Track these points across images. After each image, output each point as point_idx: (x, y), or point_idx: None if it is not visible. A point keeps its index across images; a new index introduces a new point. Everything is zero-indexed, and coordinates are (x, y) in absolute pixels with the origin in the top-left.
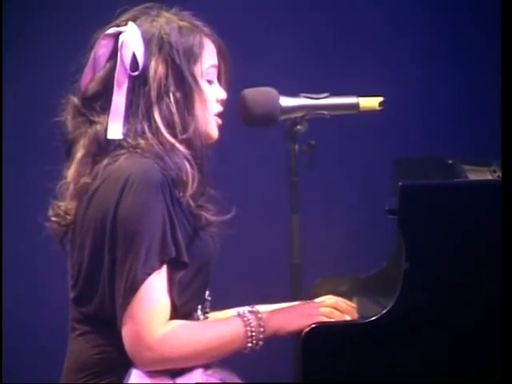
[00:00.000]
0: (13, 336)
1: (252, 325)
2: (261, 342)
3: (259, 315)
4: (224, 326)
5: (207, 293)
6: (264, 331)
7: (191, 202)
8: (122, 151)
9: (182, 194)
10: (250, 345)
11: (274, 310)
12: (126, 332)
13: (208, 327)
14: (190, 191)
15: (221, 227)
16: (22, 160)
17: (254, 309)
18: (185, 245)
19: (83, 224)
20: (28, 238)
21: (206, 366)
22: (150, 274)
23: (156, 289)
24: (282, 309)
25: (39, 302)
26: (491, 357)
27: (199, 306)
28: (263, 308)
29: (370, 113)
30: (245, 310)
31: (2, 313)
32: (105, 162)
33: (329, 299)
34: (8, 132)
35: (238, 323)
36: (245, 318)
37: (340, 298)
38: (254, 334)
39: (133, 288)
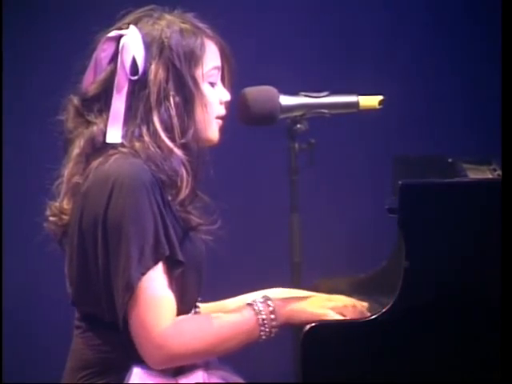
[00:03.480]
0: (13, 336)
1: (263, 313)
2: (274, 330)
3: (269, 302)
4: (234, 315)
5: (199, 298)
6: (275, 318)
7: (179, 207)
8: (114, 151)
9: (172, 198)
10: (262, 333)
11: (286, 299)
12: (134, 333)
13: (217, 318)
14: (182, 196)
15: (208, 233)
16: (22, 160)
17: (264, 297)
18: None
19: (74, 225)
20: (28, 238)
21: (208, 366)
22: (144, 274)
23: (153, 287)
24: (295, 298)
25: (39, 302)
26: (491, 356)
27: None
28: (274, 293)
29: (370, 111)
30: (255, 298)
31: (2, 313)
32: (96, 162)
33: (342, 297)
34: (9, 132)
35: (249, 312)
36: (255, 307)
37: (351, 299)
38: (265, 321)
39: (129, 288)
